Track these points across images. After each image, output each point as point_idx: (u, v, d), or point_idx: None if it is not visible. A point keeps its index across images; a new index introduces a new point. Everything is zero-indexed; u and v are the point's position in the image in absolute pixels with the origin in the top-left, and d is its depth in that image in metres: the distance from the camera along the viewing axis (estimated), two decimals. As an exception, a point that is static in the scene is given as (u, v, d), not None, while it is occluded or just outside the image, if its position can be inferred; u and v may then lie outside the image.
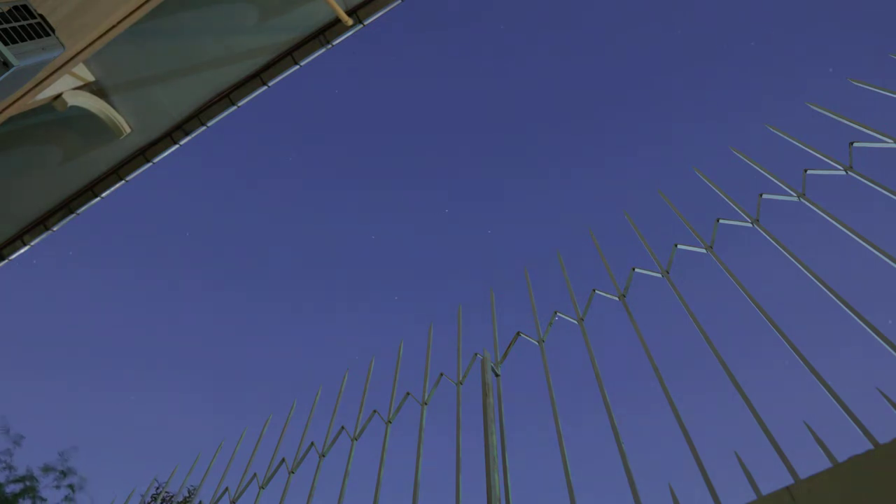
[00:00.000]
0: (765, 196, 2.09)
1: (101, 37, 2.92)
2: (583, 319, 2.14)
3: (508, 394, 2.09)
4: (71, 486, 12.88)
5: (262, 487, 2.42)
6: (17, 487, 12.40)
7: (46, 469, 12.83)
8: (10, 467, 12.55)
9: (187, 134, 4.31)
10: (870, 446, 1.22)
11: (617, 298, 2.12)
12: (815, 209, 1.90)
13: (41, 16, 2.21)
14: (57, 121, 4.19)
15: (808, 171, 2.02)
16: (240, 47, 4.00)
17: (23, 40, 2.06)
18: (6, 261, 4.84)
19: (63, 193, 4.60)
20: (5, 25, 1.99)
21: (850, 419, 1.36)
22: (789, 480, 1.26)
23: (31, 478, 12.64)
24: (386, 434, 2.25)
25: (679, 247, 2.15)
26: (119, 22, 2.91)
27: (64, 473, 12.92)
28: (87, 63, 3.92)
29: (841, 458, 1.21)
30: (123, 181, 4.51)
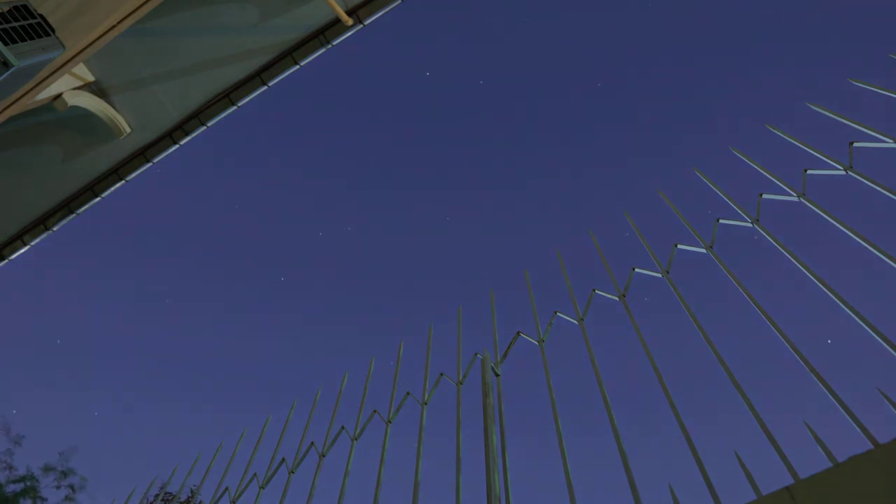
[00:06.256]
0: (765, 196, 2.09)
1: (101, 37, 2.92)
2: (583, 319, 2.14)
3: (508, 394, 2.09)
4: (71, 486, 12.90)
5: (262, 487, 2.42)
6: (17, 487, 12.42)
7: (47, 469, 12.85)
8: (10, 467, 12.57)
9: (187, 134, 4.31)
10: (870, 446, 1.22)
11: (617, 298, 2.12)
12: (815, 209, 1.90)
13: (41, 16, 2.21)
14: (57, 121, 4.19)
15: (808, 171, 2.02)
16: (240, 47, 4.00)
17: (23, 40, 2.06)
18: (6, 261, 4.84)
19: (63, 193, 4.61)
20: (5, 25, 1.99)
21: (850, 419, 1.36)
22: (789, 480, 1.26)
23: (32, 478, 12.66)
24: (386, 434, 2.25)
25: (679, 247, 2.15)
26: (119, 22, 2.92)
27: (64, 473, 12.94)
28: (87, 63, 3.92)
29: (841, 458, 1.21)
30: (123, 181, 4.51)
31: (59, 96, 3.63)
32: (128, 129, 4.23)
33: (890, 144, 1.89)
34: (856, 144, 1.96)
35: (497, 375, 2.17)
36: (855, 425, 1.33)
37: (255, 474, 2.51)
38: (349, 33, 3.89)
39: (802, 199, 1.99)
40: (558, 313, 2.20)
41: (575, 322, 2.16)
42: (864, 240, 1.69)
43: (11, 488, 12.37)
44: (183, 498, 11.77)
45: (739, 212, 2.14)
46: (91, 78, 3.96)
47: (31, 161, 4.37)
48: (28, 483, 12.54)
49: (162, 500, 12.60)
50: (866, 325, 1.52)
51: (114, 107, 4.13)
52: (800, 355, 1.57)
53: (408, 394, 2.33)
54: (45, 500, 12.61)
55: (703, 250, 2.09)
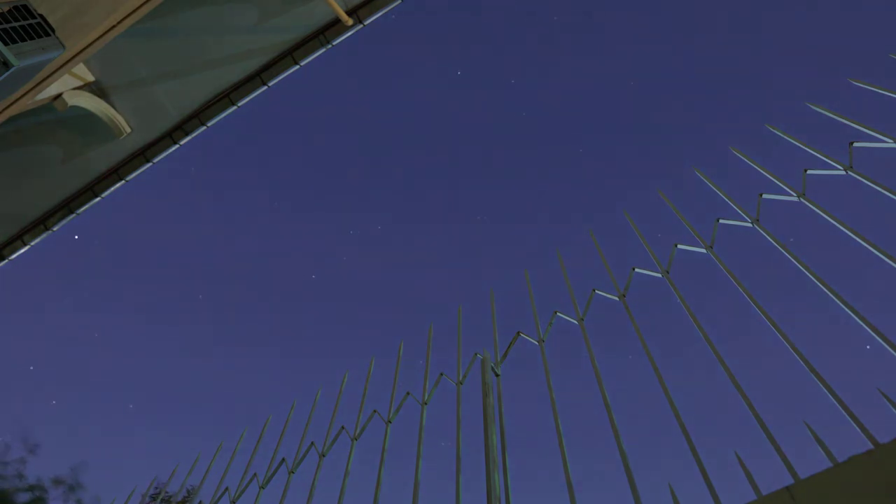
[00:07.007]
0: (765, 196, 2.09)
1: (101, 37, 2.92)
2: (583, 319, 2.14)
3: (508, 394, 2.10)
4: (79, 501, 12.88)
5: (262, 487, 2.42)
6: (26, 497, 12.42)
7: (56, 481, 12.84)
8: (21, 475, 12.57)
9: (187, 134, 4.31)
10: (870, 446, 1.22)
11: (617, 298, 2.12)
12: (815, 209, 1.90)
13: (41, 16, 2.22)
14: (57, 121, 4.19)
15: (808, 171, 2.02)
16: (240, 47, 4.00)
17: (23, 40, 2.07)
18: (6, 261, 4.84)
19: (63, 193, 4.61)
20: (5, 25, 1.99)
21: (850, 419, 1.36)
22: (789, 480, 1.26)
23: (41, 488, 12.65)
24: (386, 434, 2.25)
25: (679, 247, 2.15)
26: (119, 22, 2.92)
27: (72, 488, 12.93)
28: (87, 63, 3.92)
29: (841, 458, 1.21)
30: (123, 181, 4.51)
31: (59, 96, 3.63)
32: (128, 129, 4.23)
33: (890, 144, 1.89)
34: (856, 144, 1.96)
35: (497, 375, 2.17)
36: (855, 425, 1.33)
37: (255, 474, 2.51)
38: (349, 33, 3.89)
39: (802, 199, 1.99)
40: (558, 313, 2.20)
41: (575, 322, 2.16)
42: (864, 240, 1.69)
43: (20, 497, 12.38)
44: (179, 498, 11.77)
45: (739, 212, 2.14)
46: (91, 78, 3.96)
47: (31, 161, 4.37)
48: (37, 493, 12.54)
49: (161, 500, 12.60)
50: (866, 325, 1.52)
51: (114, 107, 4.13)
52: (799, 355, 1.57)
53: (408, 394, 2.33)
54: (53, 511, 12.61)
55: (703, 250, 2.09)
